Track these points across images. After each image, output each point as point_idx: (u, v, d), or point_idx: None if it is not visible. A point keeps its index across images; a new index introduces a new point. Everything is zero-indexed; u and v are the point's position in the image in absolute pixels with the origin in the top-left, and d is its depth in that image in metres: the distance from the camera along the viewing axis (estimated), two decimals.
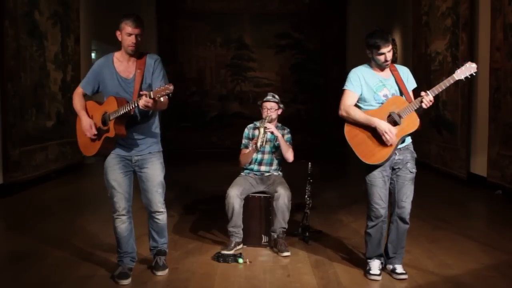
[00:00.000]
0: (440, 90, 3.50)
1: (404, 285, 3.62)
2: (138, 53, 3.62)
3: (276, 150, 4.57)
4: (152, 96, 3.30)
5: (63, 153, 8.62)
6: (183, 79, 12.41)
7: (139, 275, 3.77)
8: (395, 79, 3.65)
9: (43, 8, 7.94)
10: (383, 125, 3.53)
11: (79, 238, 4.74)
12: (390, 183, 3.71)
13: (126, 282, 3.62)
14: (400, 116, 3.53)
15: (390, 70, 3.68)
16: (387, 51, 3.56)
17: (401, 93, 3.64)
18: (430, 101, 3.47)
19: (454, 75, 3.48)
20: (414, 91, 3.72)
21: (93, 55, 10.83)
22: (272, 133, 4.46)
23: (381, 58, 3.58)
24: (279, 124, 4.64)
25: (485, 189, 6.95)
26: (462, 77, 3.48)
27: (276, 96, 4.62)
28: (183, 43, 12.76)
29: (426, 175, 8.29)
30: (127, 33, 3.50)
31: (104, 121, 3.55)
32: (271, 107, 4.54)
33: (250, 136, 4.61)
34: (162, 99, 3.30)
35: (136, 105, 3.39)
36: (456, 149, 8.00)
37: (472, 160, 7.58)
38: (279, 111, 4.60)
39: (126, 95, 3.56)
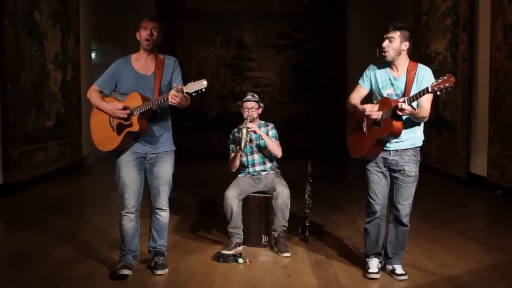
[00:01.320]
0: (415, 99, 3.37)
1: (404, 285, 3.62)
2: (156, 53, 3.71)
3: (265, 148, 4.55)
4: (184, 91, 3.34)
5: (63, 153, 8.62)
6: (183, 79, 12.37)
7: (139, 274, 3.77)
8: (406, 80, 3.58)
9: (43, 8, 7.94)
10: (363, 106, 3.58)
11: (79, 238, 4.74)
12: (391, 183, 3.72)
13: (127, 271, 3.64)
14: (382, 118, 3.52)
15: (407, 70, 3.60)
16: (385, 37, 3.52)
17: (404, 96, 3.55)
18: (402, 109, 3.33)
19: (429, 86, 3.30)
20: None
21: (93, 55, 10.82)
22: (255, 132, 4.45)
23: (381, 44, 3.56)
24: (262, 122, 4.63)
25: (485, 189, 6.95)
26: (436, 89, 3.27)
27: (256, 96, 4.61)
28: (183, 43, 12.75)
29: (426, 175, 8.27)
30: (143, 27, 3.62)
31: (126, 116, 3.58)
32: (252, 107, 4.52)
33: (236, 139, 4.60)
34: (194, 94, 3.36)
35: (163, 100, 3.45)
36: (456, 149, 8.00)
37: (472, 160, 7.58)
38: (260, 110, 4.59)
39: (145, 92, 3.61)
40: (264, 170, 4.59)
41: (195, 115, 12.76)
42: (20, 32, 7.11)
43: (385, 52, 3.56)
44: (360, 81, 3.77)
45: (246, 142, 4.32)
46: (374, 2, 12.28)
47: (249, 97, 4.57)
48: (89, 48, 10.32)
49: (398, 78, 3.62)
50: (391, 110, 3.42)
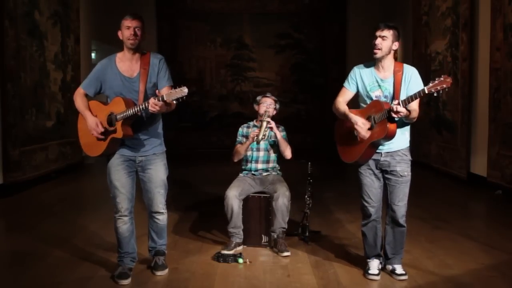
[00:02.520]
0: (411, 101, 3.36)
1: (404, 285, 3.62)
2: (141, 52, 3.63)
3: (272, 147, 4.59)
4: (165, 99, 3.28)
5: (63, 153, 8.62)
6: (183, 79, 12.40)
7: (139, 275, 3.77)
8: (394, 81, 3.57)
9: (43, 8, 7.94)
10: (355, 118, 3.56)
11: (79, 238, 4.74)
12: (384, 184, 3.72)
13: (126, 282, 3.61)
14: (375, 121, 3.51)
15: (393, 71, 3.59)
16: (378, 35, 3.52)
17: (393, 97, 3.55)
18: (398, 111, 3.33)
19: (425, 87, 3.30)
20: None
21: (93, 55, 10.83)
22: (271, 129, 4.47)
23: (373, 42, 3.55)
24: (273, 122, 4.65)
25: (485, 189, 6.95)
26: (433, 90, 3.27)
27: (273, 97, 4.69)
28: (183, 43, 12.76)
29: (426, 175, 8.28)
30: (126, 26, 3.52)
31: (110, 122, 3.53)
32: (270, 103, 4.58)
33: (245, 133, 4.65)
34: (175, 102, 3.30)
35: (145, 107, 3.37)
36: (456, 149, 8.00)
37: (472, 160, 7.58)
38: (275, 112, 4.63)
39: (130, 94, 3.56)
40: (266, 170, 4.60)
41: (195, 115, 12.77)
42: (20, 32, 7.11)
43: (378, 49, 3.54)
44: (346, 84, 3.74)
45: (264, 136, 4.37)
46: (374, 2, 12.29)
47: (268, 94, 4.67)
48: (89, 48, 10.33)
49: (385, 80, 3.61)
50: (386, 112, 3.42)
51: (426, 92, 3.29)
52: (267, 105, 4.55)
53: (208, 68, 12.98)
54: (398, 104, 3.35)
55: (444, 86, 3.25)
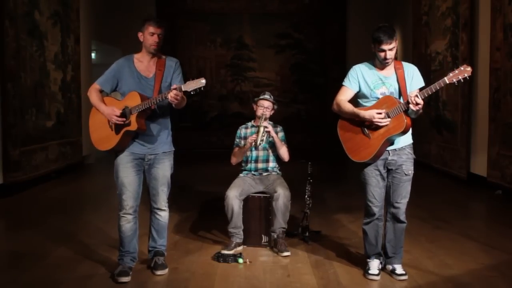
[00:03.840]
0: (430, 92, 3.38)
1: (404, 285, 3.62)
2: (158, 55, 3.75)
3: (271, 146, 4.60)
4: (183, 89, 3.40)
5: (63, 153, 8.63)
6: (184, 80, 12.39)
7: (139, 274, 3.77)
8: (397, 78, 3.60)
9: (43, 8, 7.94)
10: (368, 113, 3.52)
11: (79, 238, 4.74)
12: (386, 183, 3.72)
13: (126, 279, 3.62)
14: (388, 116, 3.50)
15: (394, 68, 3.62)
16: (388, 49, 3.50)
17: (400, 93, 3.58)
18: (418, 103, 3.35)
19: (446, 78, 3.33)
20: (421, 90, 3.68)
21: (93, 55, 10.82)
22: (269, 133, 4.48)
23: (381, 54, 3.53)
24: (271, 122, 4.65)
25: (485, 189, 6.95)
26: (454, 80, 3.32)
27: (272, 96, 4.66)
28: (183, 43, 12.76)
29: (426, 175, 8.29)
30: (150, 33, 3.66)
31: (124, 115, 3.59)
32: (268, 106, 4.56)
33: (242, 135, 4.65)
34: (192, 93, 3.42)
35: (161, 99, 3.48)
36: (456, 149, 8.00)
37: (472, 160, 7.58)
38: (272, 112, 4.62)
39: (146, 92, 3.63)
40: (266, 170, 4.60)
41: (195, 115, 12.77)
42: (20, 32, 7.11)
43: (388, 60, 3.55)
44: (346, 83, 3.71)
45: (262, 141, 4.39)
46: (374, 2, 12.30)
47: (267, 96, 4.63)
48: (89, 48, 10.32)
49: (388, 77, 3.63)
50: (403, 106, 3.44)
51: (447, 82, 3.33)
52: (264, 108, 4.54)
53: (208, 68, 12.98)
54: (416, 96, 3.36)
55: (466, 75, 3.30)
